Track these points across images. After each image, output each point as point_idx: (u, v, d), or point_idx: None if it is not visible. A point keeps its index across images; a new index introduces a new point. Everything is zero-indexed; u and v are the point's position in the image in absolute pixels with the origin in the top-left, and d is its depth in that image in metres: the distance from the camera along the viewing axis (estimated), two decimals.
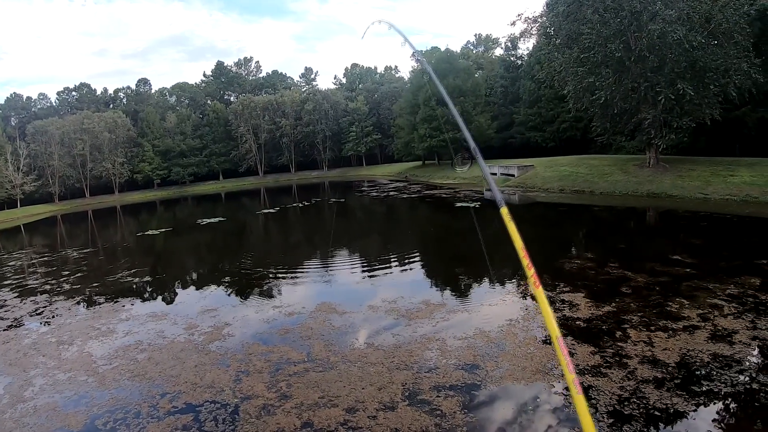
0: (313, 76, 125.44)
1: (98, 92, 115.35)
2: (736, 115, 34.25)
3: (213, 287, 15.25)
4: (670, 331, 8.40)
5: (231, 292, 14.43)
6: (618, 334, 8.56)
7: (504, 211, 2.79)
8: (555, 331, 2.27)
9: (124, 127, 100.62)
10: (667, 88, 28.94)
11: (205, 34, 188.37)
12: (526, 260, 2.50)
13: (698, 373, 6.94)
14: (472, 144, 3.26)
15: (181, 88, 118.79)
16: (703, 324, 8.66)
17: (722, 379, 6.72)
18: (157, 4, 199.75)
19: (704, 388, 6.51)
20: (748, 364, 7.25)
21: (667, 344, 7.94)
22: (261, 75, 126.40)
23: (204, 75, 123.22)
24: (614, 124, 34.47)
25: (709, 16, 28.67)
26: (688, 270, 12.32)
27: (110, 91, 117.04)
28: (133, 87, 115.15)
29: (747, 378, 6.78)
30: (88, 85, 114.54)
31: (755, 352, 7.65)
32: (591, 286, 11.64)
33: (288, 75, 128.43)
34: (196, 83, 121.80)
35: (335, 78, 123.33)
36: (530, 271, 2.47)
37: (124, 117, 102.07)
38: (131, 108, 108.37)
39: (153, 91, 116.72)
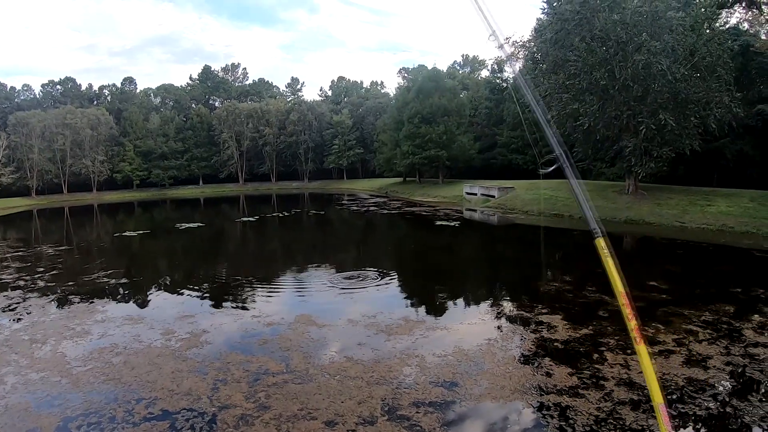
0: (299, 87, 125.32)
1: (83, 88, 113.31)
2: (715, 147, 34.98)
3: (190, 293, 15.08)
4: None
5: (209, 299, 14.30)
6: (595, 356, 8.66)
7: (600, 243, 2.49)
8: (658, 396, 2.04)
9: (107, 124, 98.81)
10: (649, 117, 29.46)
11: (194, 36, 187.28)
12: (627, 309, 2.24)
13: (673, 396, 7.04)
14: (557, 150, 3.10)
15: (166, 90, 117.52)
16: (678, 349, 8.85)
17: (696, 403, 6.87)
18: (147, 3, 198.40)
19: (679, 411, 6.63)
20: (721, 388, 7.42)
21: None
22: (247, 82, 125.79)
23: (190, 78, 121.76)
24: (596, 150, 34.96)
25: (694, 49, 29.31)
26: (664, 296, 12.55)
27: (95, 87, 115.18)
28: (119, 85, 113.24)
29: (720, 402, 6.96)
30: (73, 80, 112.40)
31: (729, 377, 7.83)
32: (569, 308, 11.76)
33: (274, 84, 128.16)
34: (181, 86, 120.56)
35: (321, 90, 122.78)
36: (632, 323, 2.23)
37: (107, 114, 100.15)
38: (115, 106, 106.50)
39: (138, 90, 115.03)
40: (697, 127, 30.05)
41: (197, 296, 14.72)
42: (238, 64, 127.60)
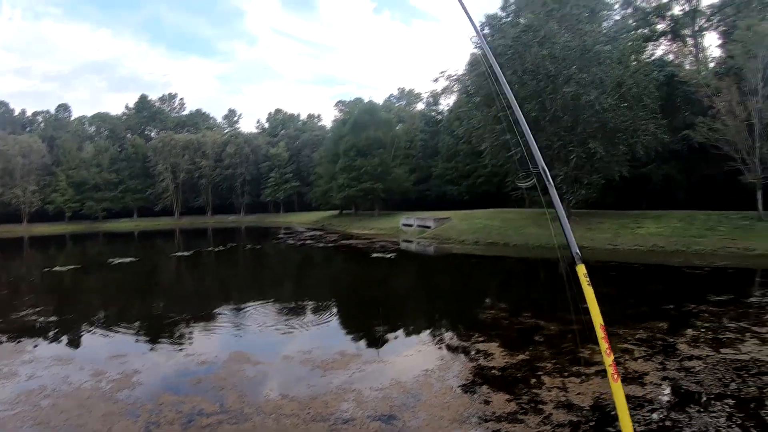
0: (236, 119, 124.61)
1: (16, 113, 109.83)
2: (643, 172, 36.50)
3: (122, 331, 14.48)
4: (583, 376, 8.60)
5: (141, 338, 13.74)
6: (533, 381, 8.67)
7: (582, 270, 2.42)
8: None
9: (39, 152, 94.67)
10: (579, 146, 30.44)
11: (131, 64, 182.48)
12: (605, 344, 2.16)
13: (612, 414, 7.09)
14: (541, 164, 3.03)
15: (101, 119, 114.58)
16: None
17: (635, 419, 6.91)
18: (84, 27, 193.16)
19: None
20: (659, 403, 7.57)
21: (580, 389, 8.13)
22: (184, 113, 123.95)
23: (126, 107, 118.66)
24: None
25: (621, 80, 30.61)
26: None
27: (28, 113, 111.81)
28: (53, 112, 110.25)
29: (659, 416, 7.10)
30: (6, 104, 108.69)
31: (666, 392, 8.04)
32: (505, 335, 11.81)
33: (211, 115, 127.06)
34: (117, 115, 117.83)
35: (258, 122, 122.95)
36: (609, 359, 2.14)
37: (40, 142, 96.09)
38: (48, 134, 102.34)
39: (72, 118, 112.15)
40: (626, 154, 31.32)
41: (129, 335, 14.13)
42: (175, 94, 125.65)
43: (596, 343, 9.29)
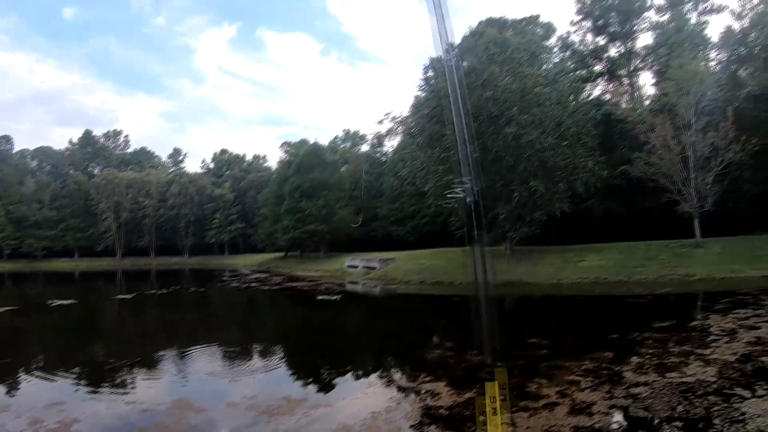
0: (181, 158, 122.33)
1: None
2: (584, 207, 37.30)
3: (61, 378, 13.82)
4: (532, 410, 8.55)
5: (80, 385, 13.14)
6: (481, 418, 8.59)
7: (491, 391, 2.22)
8: None
9: None
10: (520, 185, 31.05)
11: (77, 98, 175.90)
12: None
13: None
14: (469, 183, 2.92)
15: (44, 153, 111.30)
16: (562, 400, 8.93)
17: None
18: (31, 58, 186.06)
19: None
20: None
21: (529, 423, 8.06)
22: (129, 150, 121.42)
23: (70, 142, 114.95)
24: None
25: (561, 120, 31.54)
26: (544, 351, 12.82)
27: None
28: None
29: None
30: None
31: (615, 419, 8.04)
32: (452, 374, 11.71)
33: (156, 153, 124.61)
34: (60, 150, 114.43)
35: (203, 162, 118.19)
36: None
37: None
38: None
39: (15, 150, 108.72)
40: (566, 191, 32.00)
41: (69, 381, 13.47)
42: (120, 130, 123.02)
43: (543, 376, 9.36)
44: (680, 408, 8.11)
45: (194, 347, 17.90)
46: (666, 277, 25.49)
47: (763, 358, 10.40)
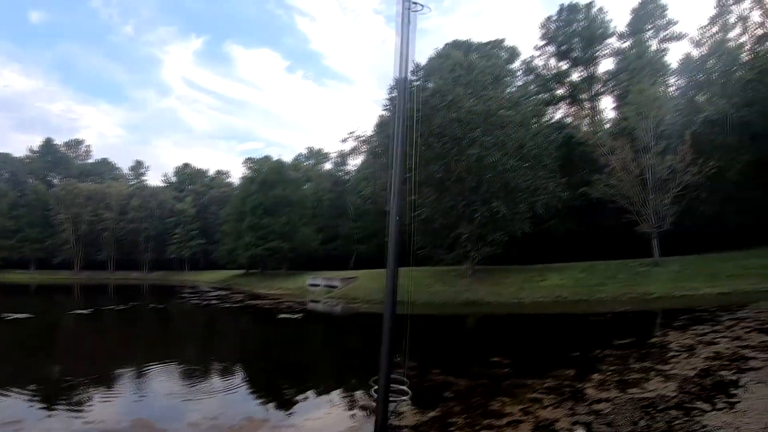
0: (143, 170, 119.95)
1: None
2: (545, 227, 37.71)
3: (16, 396, 13.37)
4: (495, 429, 8.55)
5: (37, 403, 12.72)
6: None
7: None
8: None
9: None
10: (482, 206, 31.33)
11: (39, 104, 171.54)
12: None
13: None
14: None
15: (3, 159, 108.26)
16: (525, 417, 8.93)
17: None
18: None
19: None
20: None
21: None
22: (90, 160, 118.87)
23: (30, 150, 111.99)
24: (435, 238, 36.21)
25: (523, 142, 31.89)
26: (507, 370, 12.80)
27: None
28: None
29: None
30: None
31: None
32: (415, 393, 11.63)
33: (117, 165, 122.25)
34: (20, 157, 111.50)
35: (165, 176, 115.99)
36: None
37: None
38: None
39: None
40: (527, 211, 32.29)
41: (24, 399, 13.03)
42: (82, 140, 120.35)
43: (506, 394, 9.35)
44: (642, 423, 8.19)
45: (153, 365, 17.50)
46: (626, 295, 25.91)
47: (722, 373, 10.55)
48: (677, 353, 12.86)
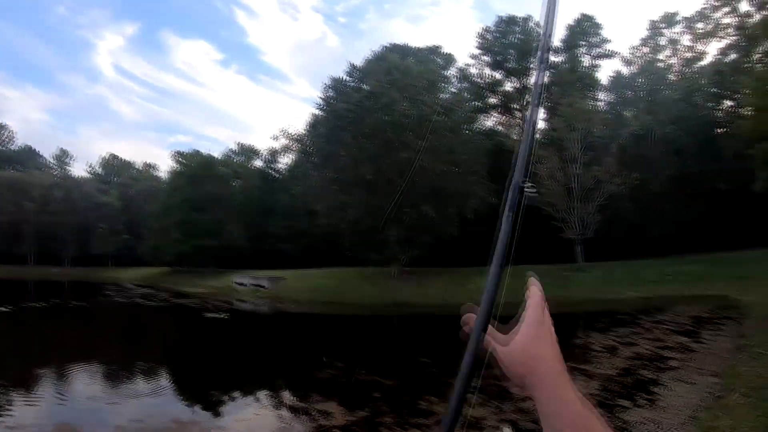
0: (68, 160, 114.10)
1: None
2: (474, 231, 38.19)
3: None
4: (424, 427, 8.69)
5: None
6: None
7: None
8: None
9: None
10: (411, 209, 31.45)
11: None
12: None
13: None
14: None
15: None
16: None
17: None
18: None
19: None
20: None
21: None
22: (13, 147, 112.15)
23: None
24: (363, 239, 36.26)
25: (453, 148, 32.19)
26: (434, 369, 12.91)
27: None
28: None
29: None
30: None
31: None
32: (343, 393, 11.60)
33: (41, 153, 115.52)
34: None
35: (90, 166, 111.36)
36: None
37: None
38: None
39: None
40: (456, 216, 32.66)
41: None
42: (5, 125, 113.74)
43: (433, 393, 9.43)
44: None
45: (76, 366, 16.85)
46: (551, 299, 26.32)
47: (642, 372, 10.90)
48: (599, 354, 13.25)
